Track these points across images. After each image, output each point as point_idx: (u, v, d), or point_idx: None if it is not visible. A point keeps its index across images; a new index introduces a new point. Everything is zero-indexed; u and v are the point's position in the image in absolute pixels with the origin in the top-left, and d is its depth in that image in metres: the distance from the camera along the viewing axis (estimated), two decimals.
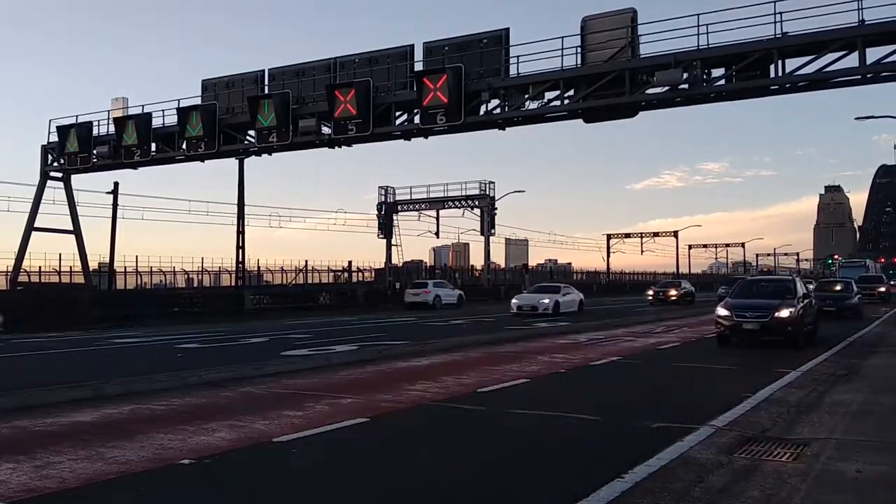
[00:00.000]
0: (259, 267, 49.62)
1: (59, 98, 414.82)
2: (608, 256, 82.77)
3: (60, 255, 40.98)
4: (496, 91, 25.87)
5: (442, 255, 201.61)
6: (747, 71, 22.83)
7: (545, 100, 25.98)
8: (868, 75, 22.08)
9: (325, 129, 28.56)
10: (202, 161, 32.72)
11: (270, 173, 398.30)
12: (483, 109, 26.46)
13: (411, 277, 54.15)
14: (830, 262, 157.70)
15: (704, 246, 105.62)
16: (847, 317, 25.39)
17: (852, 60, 21.62)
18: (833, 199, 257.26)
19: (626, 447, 6.82)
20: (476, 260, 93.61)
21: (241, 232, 36.10)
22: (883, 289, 43.84)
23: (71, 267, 39.96)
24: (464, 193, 52.08)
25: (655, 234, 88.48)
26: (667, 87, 23.75)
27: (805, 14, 21.63)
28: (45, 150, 35.01)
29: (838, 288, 29.76)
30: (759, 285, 18.43)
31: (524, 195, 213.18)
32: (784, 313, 15.52)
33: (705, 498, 5.12)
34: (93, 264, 38.87)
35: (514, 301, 32.27)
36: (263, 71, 30.30)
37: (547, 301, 30.71)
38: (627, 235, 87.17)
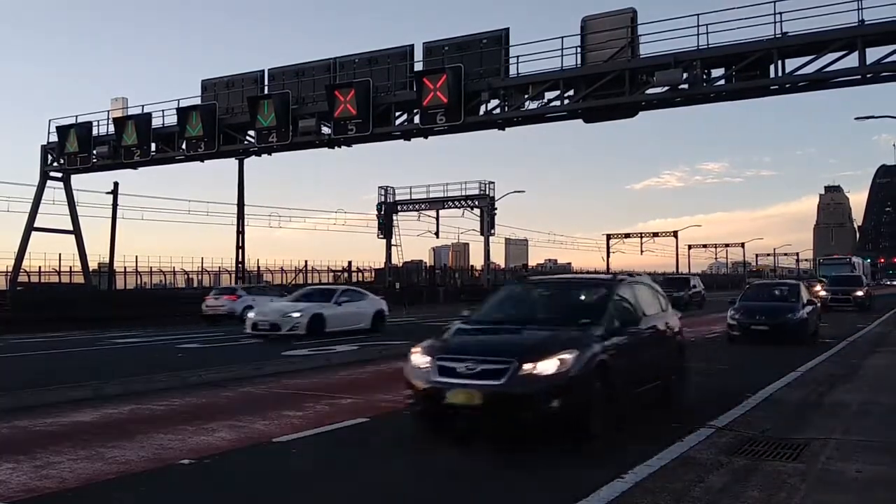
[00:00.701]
0: (259, 267, 49.62)
1: (58, 98, 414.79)
2: (608, 256, 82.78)
3: (60, 255, 40.90)
4: (496, 91, 25.85)
5: (442, 255, 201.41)
6: (747, 71, 22.81)
7: (545, 100, 25.96)
8: (868, 75, 22.06)
9: (325, 129, 28.54)
10: (202, 161, 32.69)
11: (270, 173, 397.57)
12: (483, 109, 26.44)
13: (411, 278, 54.22)
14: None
15: (704, 246, 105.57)
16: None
17: (852, 60, 21.61)
18: (833, 199, 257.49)
19: (626, 447, 6.81)
20: (476, 260, 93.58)
21: (240, 232, 36.13)
22: (860, 293, 33.01)
23: (71, 267, 39.92)
24: (463, 193, 52.14)
25: (655, 235, 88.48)
26: (667, 87, 23.72)
27: (805, 14, 21.62)
28: (45, 150, 34.97)
29: (777, 293, 19.24)
30: (530, 297, 9.09)
31: (524, 195, 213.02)
32: (546, 365, 6.66)
33: (705, 498, 5.12)
34: (92, 264, 38.86)
35: (249, 315, 20.66)
36: (263, 71, 30.27)
37: (298, 315, 19.43)
38: (627, 235, 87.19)
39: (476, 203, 51.64)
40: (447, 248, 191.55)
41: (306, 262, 53.36)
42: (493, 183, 51.25)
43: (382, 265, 53.78)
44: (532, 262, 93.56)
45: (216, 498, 5.57)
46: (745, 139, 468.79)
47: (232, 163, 35.22)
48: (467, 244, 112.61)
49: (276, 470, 6.14)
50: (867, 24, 21.00)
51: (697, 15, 22.80)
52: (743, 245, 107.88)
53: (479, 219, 52.18)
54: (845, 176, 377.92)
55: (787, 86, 23.41)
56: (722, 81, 23.74)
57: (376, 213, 53.18)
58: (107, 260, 36.69)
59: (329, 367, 13.10)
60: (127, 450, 6.71)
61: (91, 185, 72.30)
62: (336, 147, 29.67)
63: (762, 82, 23.07)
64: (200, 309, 27.55)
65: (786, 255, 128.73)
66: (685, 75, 23.12)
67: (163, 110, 31.90)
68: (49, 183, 35.35)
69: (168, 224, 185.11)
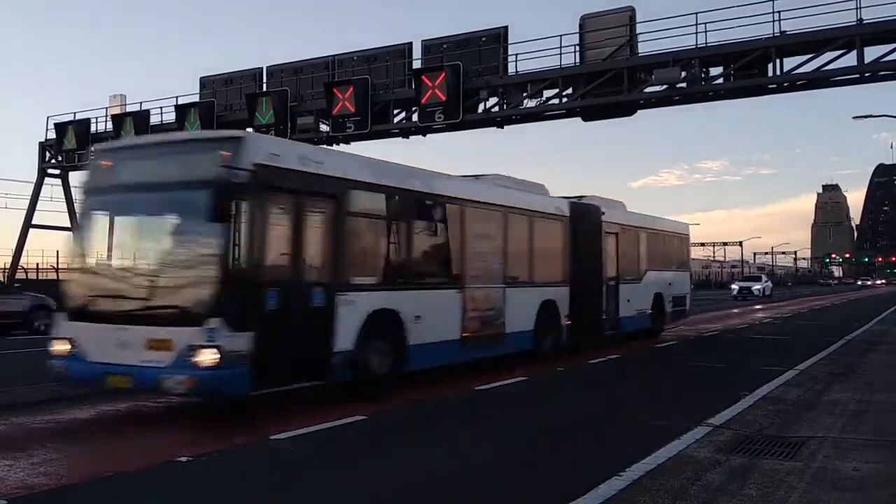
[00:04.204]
0: None
1: (57, 95, 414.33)
2: None
3: (58, 252, 40.90)
4: (495, 89, 25.82)
5: None
6: (746, 69, 22.80)
7: (543, 98, 25.93)
8: (866, 74, 22.06)
9: (324, 127, 28.51)
10: None
11: None
12: (481, 107, 26.40)
13: None
14: (828, 260, 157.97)
15: (702, 244, 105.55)
16: None
17: (851, 59, 21.59)
18: (831, 198, 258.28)
19: (624, 445, 6.82)
20: None
21: None
22: None
23: (69, 264, 39.79)
24: None
25: None
26: (665, 86, 23.70)
27: (804, 13, 21.66)
28: (43, 147, 34.92)
29: None
30: None
31: None
32: None
33: (702, 496, 5.12)
34: None
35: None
36: (262, 68, 30.24)
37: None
38: None
39: None
40: None
41: None
42: None
43: None
44: None
45: (214, 495, 5.56)
46: (744, 138, 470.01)
47: None
48: None
49: (274, 467, 6.13)
50: (865, 23, 21.01)
51: (696, 14, 22.81)
52: (741, 244, 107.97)
53: None
54: (844, 174, 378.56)
55: (786, 84, 23.40)
56: (721, 80, 23.72)
57: None
58: None
59: None
60: (124, 447, 6.70)
61: None
62: (334, 144, 29.64)
63: (761, 81, 23.06)
64: None
65: (784, 253, 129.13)
66: (684, 74, 23.10)
67: (161, 107, 31.84)
68: (47, 180, 35.32)
69: None
